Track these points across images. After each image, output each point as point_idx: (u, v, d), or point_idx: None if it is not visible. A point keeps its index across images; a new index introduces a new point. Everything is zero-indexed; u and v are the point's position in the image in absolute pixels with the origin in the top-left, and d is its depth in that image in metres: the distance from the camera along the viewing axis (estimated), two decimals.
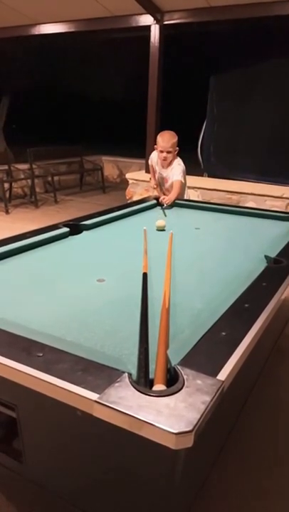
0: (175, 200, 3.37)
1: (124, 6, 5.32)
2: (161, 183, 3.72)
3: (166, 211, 3.19)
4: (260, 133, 5.91)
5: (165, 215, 3.09)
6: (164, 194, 3.62)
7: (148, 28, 5.59)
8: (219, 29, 5.91)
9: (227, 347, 1.19)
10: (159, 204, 3.37)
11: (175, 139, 3.44)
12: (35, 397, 1.06)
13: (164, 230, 2.61)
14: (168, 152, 3.42)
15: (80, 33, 6.21)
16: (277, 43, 5.64)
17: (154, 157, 3.71)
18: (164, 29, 5.56)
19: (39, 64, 9.62)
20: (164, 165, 3.58)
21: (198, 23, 5.39)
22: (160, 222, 2.65)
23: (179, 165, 3.53)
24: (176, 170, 3.51)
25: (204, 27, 5.74)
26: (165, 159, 3.46)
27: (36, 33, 6.36)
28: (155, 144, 3.55)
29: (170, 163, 3.56)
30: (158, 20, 5.49)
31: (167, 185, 3.65)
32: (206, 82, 6.44)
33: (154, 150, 3.73)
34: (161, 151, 3.44)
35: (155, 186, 3.72)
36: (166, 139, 3.41)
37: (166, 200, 3.31)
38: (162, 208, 3.25)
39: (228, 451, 1.86)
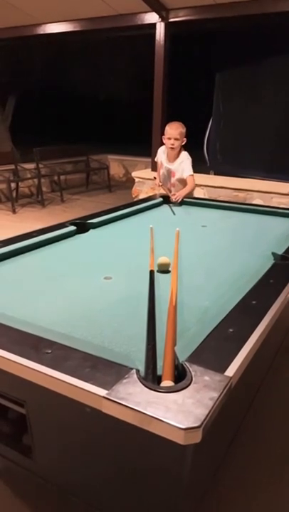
0: (187, 195, 3.38)
1: (129, 4, 5.32)
2: (166, 178, 3.69)
3: (174, 209, 3.19)
4: (266, 130, 5.88)
5: (174, 213, 3.10)
6: (169, 190, 3.60)
7: (153, 26, 5.58)
8: (225, 26, 5.88)
9: (235, 343, 1.19)
10: (166, 202, 3.37)
11: (183, 128, 3.48)
12: (44, 394, 1.06)
13: (168, 272, 1.90)
14: (175, 139, 3.44)
15: (85, 32, 6.22)
16: (283, 40, 5.60)
17: (161, 153, 3.72)
18: (169, 27, 5.55)
19: (44, 63, 9.65)
20: (171, 156, 3.58)
21: (204, 21, 5.37)
22: (164, 260, 1.93)
23: (188, 159, 3.54)
24: (186, 164, 3.52)
25: (210, 24, 5.71)
26: (172, 146, 3.47)
27: (41, 32, 6.38)
28: (163, 135, 3.58)
29: (177, 155, 3.56)
30: (163, 18, 5.48)
31: (174, 179, 3.63)
32: (212, 79, 6.42)
33: (159, 148, 3.75)
34: (169, 138, 3.47)
35: (160, 184, 3.73)
36: (174, 127, 3.47)
37: (176, 196, 3.32)
38: (170, 206, 3.25)
39: (236, 448, 1.86)
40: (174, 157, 3.57)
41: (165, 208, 3.28)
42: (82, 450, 1.19)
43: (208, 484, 1.48)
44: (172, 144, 3.46)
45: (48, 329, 1.28)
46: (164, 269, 1.92)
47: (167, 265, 1.93)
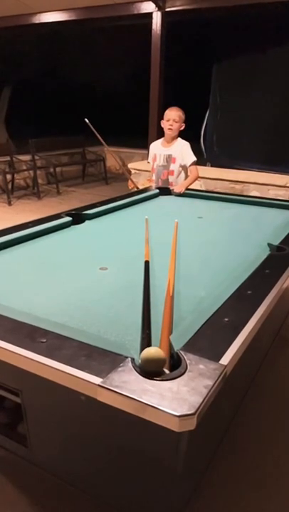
0: (189, 186, 3.38)
1: None
2: (160, 171, 3.64)
3: (168, 200, 3.17)
4: (263, 122, 5.86)
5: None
6: (166, 180, 3.57)
7: (150, 15, 5.53)
8: (222, 16, 5.82)
9: (230, 332, 1.19)
10: (162, 193, 3.35)
11: (183, 114, 3.47)
12: (40, 383, 1.06)
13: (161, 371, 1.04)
14: (174, 120, 3.42)
15: (81, 21, 6.14)
16: (281, 30, 5.55)
17: (153, 146, 3.70)
18: (166, 16, 5.49)
19: (40, 54, 9.53)
20: (168, 139, 3.54)
21: (201, 10, 5.31)
22: (155, 353, 1.03)
23: (187, 144, 3.52)
24: (187, 149, 3.50)
25: (207, 13, 5.65)
26: (171, 127, 3.44)
27: (37, 21, 6.30)
28: (159, 125, 3.56)
29: (174, 139, 3.53)
30: (160, 7, 5.43)
31: (174, 165, 3.55)
32: (209, 70, 6.38)
33: (156, 139, 3.72)
34: (168, 120, 3.45)
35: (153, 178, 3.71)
36: (173, 109, 3.47)
37: (178, 188, 3.32)
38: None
39: (230, 438, 1.88)
40: (171, 139, 3.53)
41: (161, 199, 3.27)
42: (78, 438, 1.19)
43: (203, 472, 1.50)
44: (171, 125, 3.43)
45: (43, 319, 1.27)
46: (153, 365, 1.01)
47: (160, 361, 1.02)
